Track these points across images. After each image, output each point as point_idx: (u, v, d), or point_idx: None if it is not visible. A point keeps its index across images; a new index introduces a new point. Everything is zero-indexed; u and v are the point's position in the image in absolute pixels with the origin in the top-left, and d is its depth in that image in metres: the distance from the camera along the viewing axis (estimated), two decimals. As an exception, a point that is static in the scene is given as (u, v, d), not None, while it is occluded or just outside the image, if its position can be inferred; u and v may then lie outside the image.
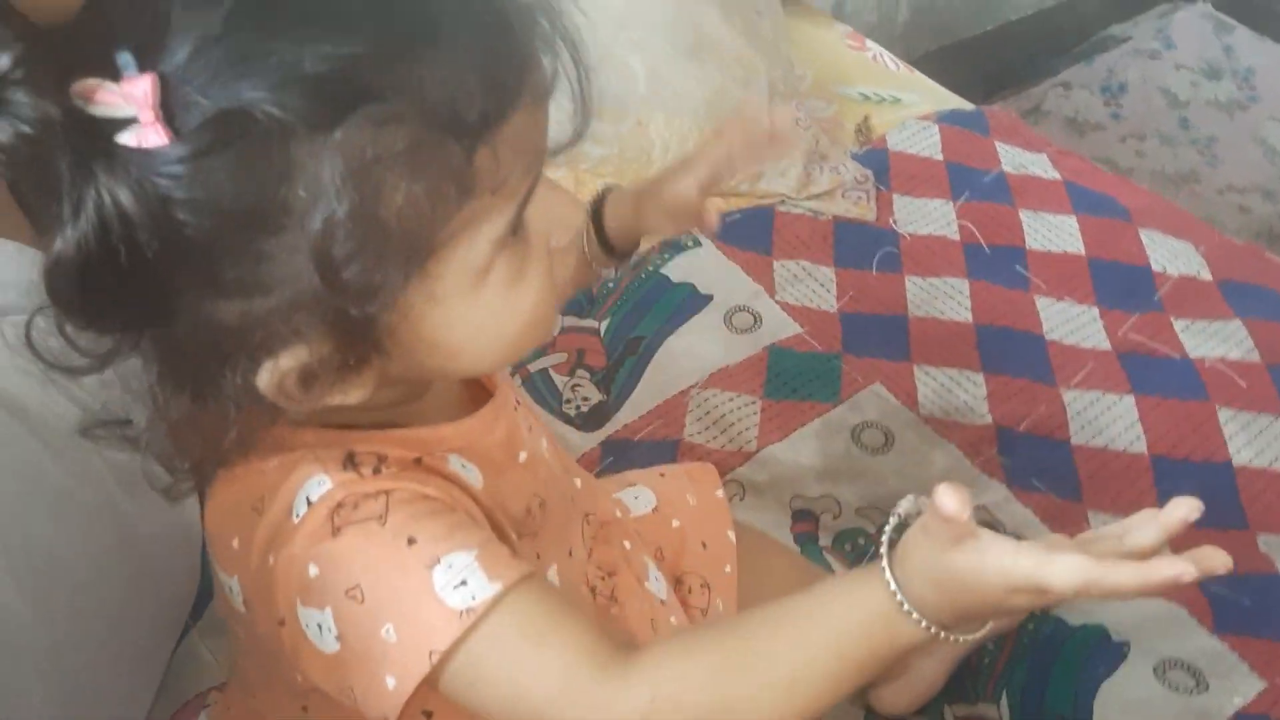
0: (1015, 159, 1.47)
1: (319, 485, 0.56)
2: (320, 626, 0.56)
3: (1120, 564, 0.50)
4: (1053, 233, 1.37)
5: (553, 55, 0.54)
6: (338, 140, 0.47)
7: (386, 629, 0.55)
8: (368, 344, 0.54)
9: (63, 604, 0.75)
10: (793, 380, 1.20)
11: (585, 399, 1.18)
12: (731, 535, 0.92)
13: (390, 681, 0.55)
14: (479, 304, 0.55)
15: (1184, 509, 0.51)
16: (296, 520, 0.56)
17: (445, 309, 0.54)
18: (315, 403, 0.54)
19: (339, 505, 0.56)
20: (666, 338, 1.23)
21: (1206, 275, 1.33)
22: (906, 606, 0.53)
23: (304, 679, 0.59)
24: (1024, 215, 1.38)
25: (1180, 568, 0.48)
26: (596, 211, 0.82)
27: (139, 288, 0.48)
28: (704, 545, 0.90)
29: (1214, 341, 1.24)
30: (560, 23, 0.54)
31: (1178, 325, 1.26)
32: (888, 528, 0.55)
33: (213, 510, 0.62)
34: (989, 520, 1.08)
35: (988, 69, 2.51)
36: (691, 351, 1.22)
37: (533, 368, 1.20)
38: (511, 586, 0.55)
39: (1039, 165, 1.46)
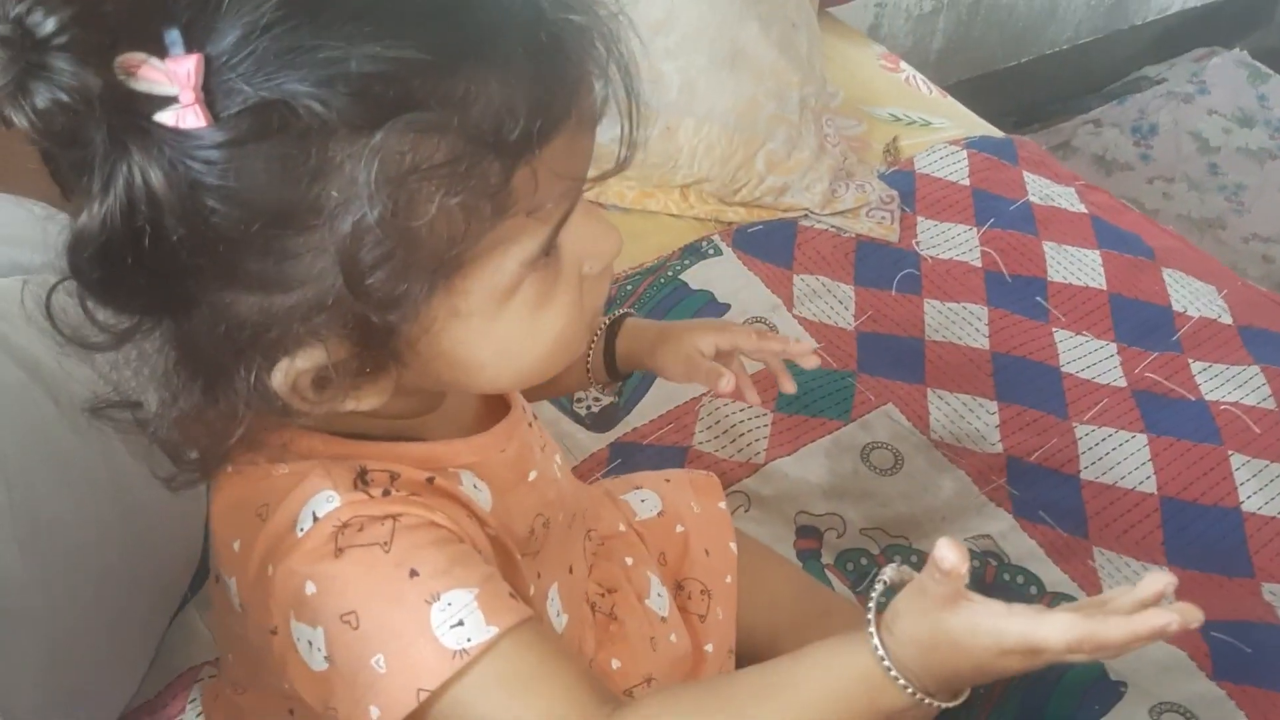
0: (1042, 190, 1.46)
1: (327, 502, 0.56)
2: (310, 643, 0.56)
3: (1109, 618, 0.50)
4: (1075, 266, 1.36)
5: (605, 81, 0.53)
6: (377, 144, 0.46)
7: (377, 659, 0.54)
8: (386, 352, 0.53)
9: (61, 566, 0.75)
10: (805, 396, 1.19)
11: (596, 400, 1.18)
12: (733, 546, 0.91)
13: (374, 711, 0.55)
14: (502, 323, 0.54)
15: (1161, 583, 0.51)
16: (300, 534, 0.56)
17: (468, 325, 0.53)
18: (328, 406, 0.54)
19: (344, 525, 0.55)
20: (681, 344, 1.23)
21: (1227, 319, 1.32)
22: (894, 672, 0.53)
23: (289, 689, 0.58)
24: (1047, 247, 1.38)
25: (1167, 618, 0.49)
26: (610, 333, 0.84)
27: (159, 271, 0.48)
28: (706, 553, 0.90)
29: (1230, 386, 1.23)
30: (617, 49, 0.54)
31: (1195, 367, 1.26)
32: (874, 594, 0.55)
33: (218, 507, 0.62)
34: (993, 549, 1.08)
35: (1019, 102, 2.51)
36: (705, 360, 1.21)
37: (545, 365, 1.19)
38: (507, 631, 0.55)
39: (1066, 198, 1.46)
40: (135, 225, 0.46)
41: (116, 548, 0.81)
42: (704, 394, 1.18)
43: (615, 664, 0.78)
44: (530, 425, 0.71)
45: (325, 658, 0.56)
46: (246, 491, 0.59)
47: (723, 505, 0.92)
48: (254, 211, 0.47)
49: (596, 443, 1.13)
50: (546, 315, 0.55)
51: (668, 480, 0.95)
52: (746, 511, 1.09)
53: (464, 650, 0.54)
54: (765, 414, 1.17)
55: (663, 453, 1.12)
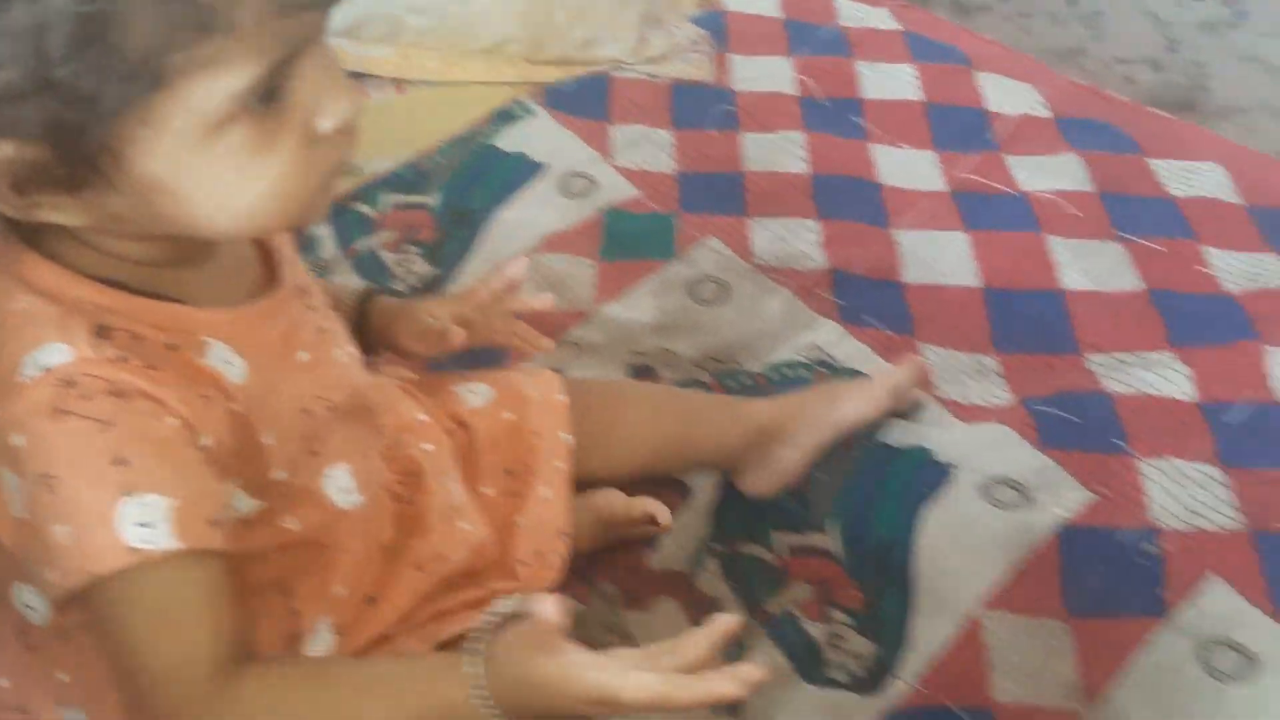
0: (854, 13, 1.46)
1: (57, 353, 0.56)
2: (13, 489, 0.57)
3: (683, 683, 0.57)
4: (890, 81, 1.36)
5: None
6: None
7: (63, 529, 0.56)
8: (84, 161, 0.52)
9: None
10: (629, 240, 1.18)
11: (415, 274, 1.15)
12: (565, 436, 0.89)
13: (51, 575, 0.57)
14: (211, 160, 0.53)
15: (724, 625, 0.59)
16: (24, 380, 0.55)
17: (170, 150, 0.53)
18: (28, 212, 0.54)
19: (70, 384, 0.55)
20: (498, 208, 1.21)
21: (1044, 114, 1.33)
22: (479, 703, 0.58)
23: None
24: (861, 66, 1.38)
25: (731, 687, 0.57)
26: (362, 311, 0.84)
27: None
28: (537, 435, 0.88)
29: (1048, 175, 1.25)
30: None
31: (1013, 163, 1.26)
32: (483, 625, 0.61)
33: None
34: (821, 357, 1.08)
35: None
36: (524, 220, 1.20)
37: (359, 247, 1.17)
38: (190, 551, 0.56)
39: (879, 18, 1.45)
40: None
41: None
42: (529, 249, 1.16)
43: (415, 546, 0.78)
44: (313, 309, 0.70)
45: (24, 507, 0.56)
46: None
47: (560, 396, 0.90)
48: None
49: (419, 313, 1.11)
50: (264, 163, 0.54)
51: (509, 373, 0.93)
52: (579, 359, 1.08)
53: (141, 551, 0.55)
54: (590, 263, 1.16)
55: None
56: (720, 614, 0.60)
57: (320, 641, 0.72)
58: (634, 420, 0.95)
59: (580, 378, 1.00)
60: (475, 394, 0.89)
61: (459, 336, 0.82)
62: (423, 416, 0.84)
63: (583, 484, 0.91)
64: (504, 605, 0.62)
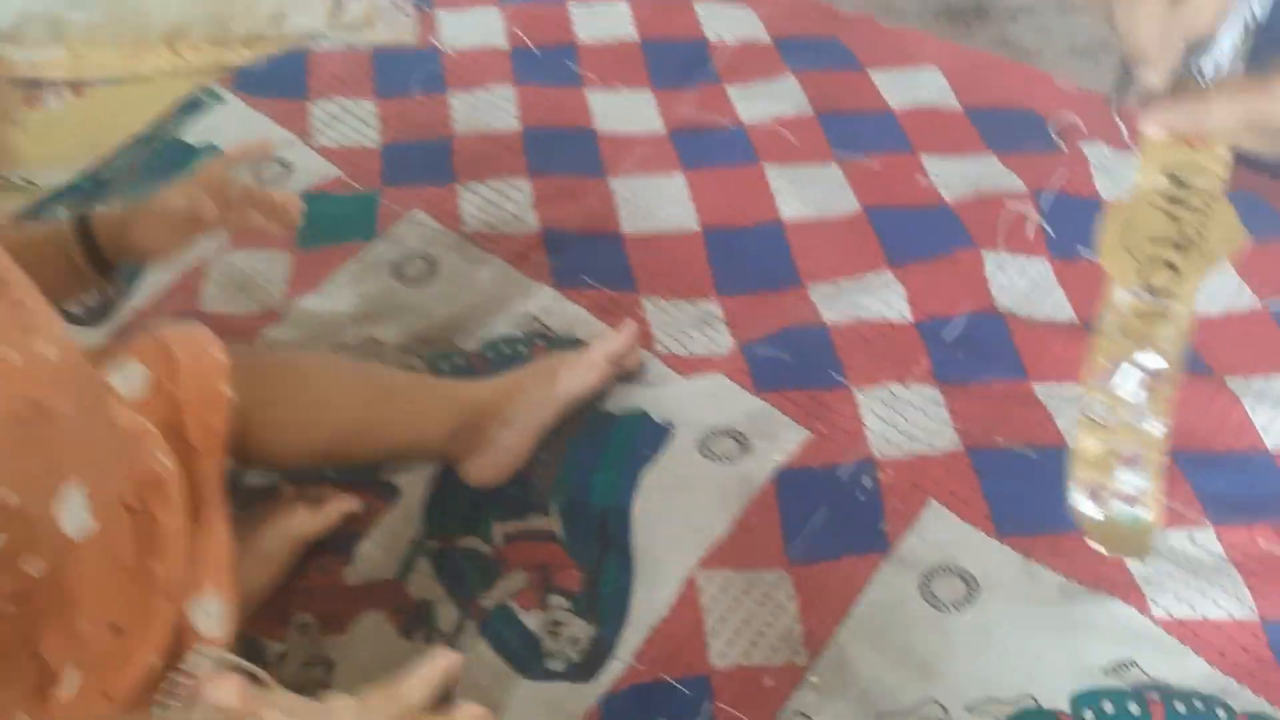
0: (566, -47, 1.38)
1: None
2: None
3: None
4: (603, 22, 1.30)
5: None
6: None
7: None
8: None
9: None
10: (327, 225, 1.10)
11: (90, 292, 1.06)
12: (225, 389, 0.80)
13: None
14: None
15: (445, 662, 0.60)
16: None
17: None
18: None
19: None
20: (186, 208, 1.11)
21: (765, 38, 1.28)
22: None
23: None
24: (574, 9, 1.31)
25: None
26: (83, 233, 0.81)
27: None
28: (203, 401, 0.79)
29: (766, 102, 1.20)
30: None
31: (733, 92, 1.21)
32: (173, 687, 0.62)
33: None
34: (538, 328, 1.02)
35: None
36: (214, 217, 1.10)
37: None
38: None
39: (591, -43, 1.38)
40: None
41: None
42: (217, 248, 1.07)
43: (160, 571, 0.71)
44: (17, 303, 0.62)
45: None
46: None
47: (214, 350, 0.81)
48: None
49: (98, 336, 1.02)
50: None
51: (159, 337, 0.84)
52: (278, 362, 1.00)
53: None
54: (285, 256, 1.08)
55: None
56: (438, 651, 0.60)
57: (68, 684, 0.65)
58: (318, 392, 0.86)
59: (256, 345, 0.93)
60: (128, 377, 0.78)
61: (209, 208, 0.80)
62: (153, 427, 0.76)
63: (258, 464, 0.86)
64: (196, 664, 0.61)
